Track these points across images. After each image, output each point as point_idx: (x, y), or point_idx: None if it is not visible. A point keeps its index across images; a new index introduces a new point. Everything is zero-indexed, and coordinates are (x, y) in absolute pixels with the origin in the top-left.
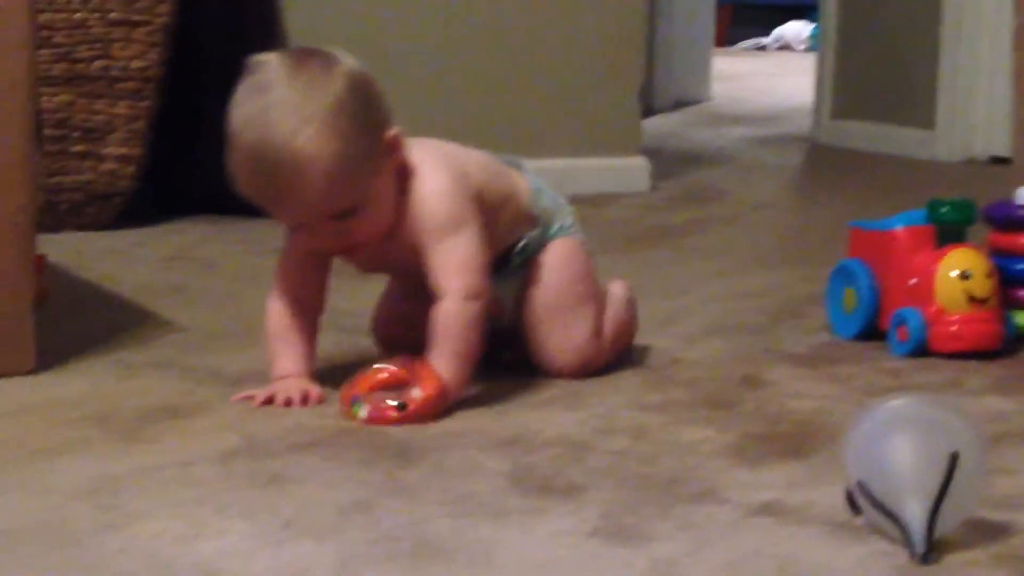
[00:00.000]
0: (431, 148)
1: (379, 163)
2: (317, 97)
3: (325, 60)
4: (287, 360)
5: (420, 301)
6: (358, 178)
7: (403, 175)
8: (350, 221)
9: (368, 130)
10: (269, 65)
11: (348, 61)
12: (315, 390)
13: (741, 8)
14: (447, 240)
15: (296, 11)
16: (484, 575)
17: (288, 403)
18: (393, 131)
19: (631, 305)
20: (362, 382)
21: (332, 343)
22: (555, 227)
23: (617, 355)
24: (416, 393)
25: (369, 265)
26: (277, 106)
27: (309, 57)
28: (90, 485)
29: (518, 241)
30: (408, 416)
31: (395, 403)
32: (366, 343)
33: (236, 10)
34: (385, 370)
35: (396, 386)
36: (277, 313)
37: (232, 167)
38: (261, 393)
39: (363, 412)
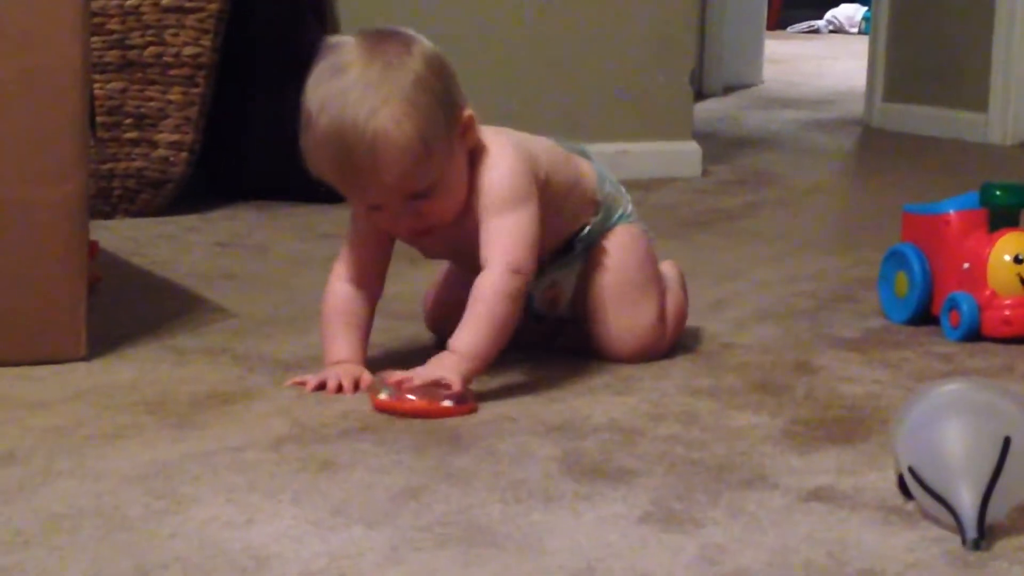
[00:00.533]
0: (500, 133)
1: (455, 143)
2: (395, 77)
3: (402, 40)
4: (341, 345)
5: None
6: (436, 157)
7: (474, 157)
8: (425, 202)
9: (445, 110)
10: (346, 46)
11: (424, 41)
12: (367, 377)
13: None
14: (504, 215)
15: None
16: (535, 560)
17: (339, 390)
18: (468, 111)
19: (684, 286)
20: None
21: (382, 328)
22: (617, 214)
23: (677, 339)
24: (447, 403)
25: (435, 249)
26: (356, 86)
27: (386, 38)
28: (142, 470)
29: (582, 228)
30: (426, 411)
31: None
32: (416, 329)
33: None
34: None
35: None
36: (337, 297)
37: (309, 148)
38: (313, 379)
39: (384, 395)
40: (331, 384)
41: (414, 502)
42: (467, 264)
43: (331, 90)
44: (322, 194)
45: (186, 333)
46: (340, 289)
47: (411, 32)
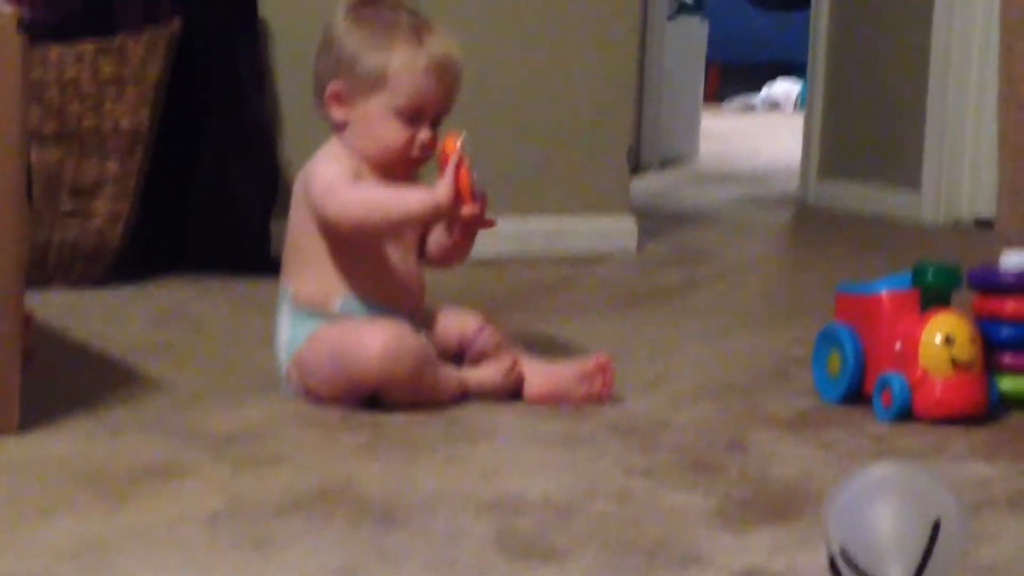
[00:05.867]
0: None
1: None
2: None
3: None
4: (412, 190)
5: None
6: None
7: None
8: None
9: None
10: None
11: None
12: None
13: (730, 67)
14: None
15: (284, 67)
16: None
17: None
18: None
19: None
20: None
21: None
22: None
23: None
24: None
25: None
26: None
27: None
28: (76, 546)
29: None
30: None
31: None
32: None
33: (229, 70)
34: None
35: None
36: (366, 185)
37: (419, 68)
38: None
39: None
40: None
41: None
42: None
43: (412, 30)
44: (258, 266)
45: (121, 406)
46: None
47: None
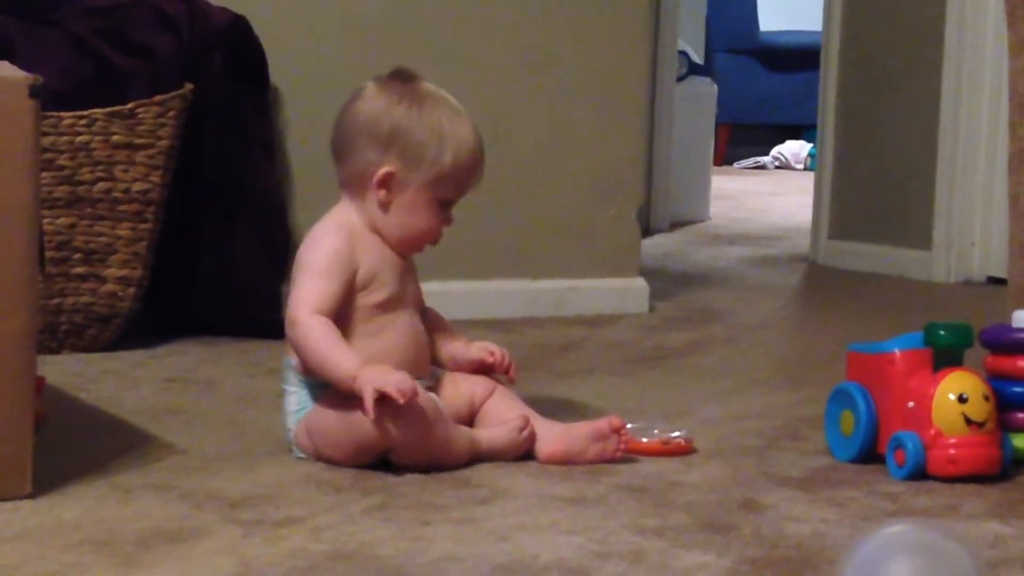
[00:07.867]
0: None
1: None
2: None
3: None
4: (353, 355)
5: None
6: None
7: None
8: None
9: None
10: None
11: None
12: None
13: (740, 127)
14: None
15: (294, 132)
16: None
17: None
18: None
19: None
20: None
21: None
22: None
23: None
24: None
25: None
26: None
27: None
28: None
29: None
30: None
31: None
32: None
33: (239, 133)
34: None
35: None
36: (322, 324)
37: (461, 151)
38: (370, 392)
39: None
40: (402, 387)
41: None
42: (402, 300)
43: (462, 115)
44: (268, 331)
45: (133, 470)
46: (319, 319)
47: None
